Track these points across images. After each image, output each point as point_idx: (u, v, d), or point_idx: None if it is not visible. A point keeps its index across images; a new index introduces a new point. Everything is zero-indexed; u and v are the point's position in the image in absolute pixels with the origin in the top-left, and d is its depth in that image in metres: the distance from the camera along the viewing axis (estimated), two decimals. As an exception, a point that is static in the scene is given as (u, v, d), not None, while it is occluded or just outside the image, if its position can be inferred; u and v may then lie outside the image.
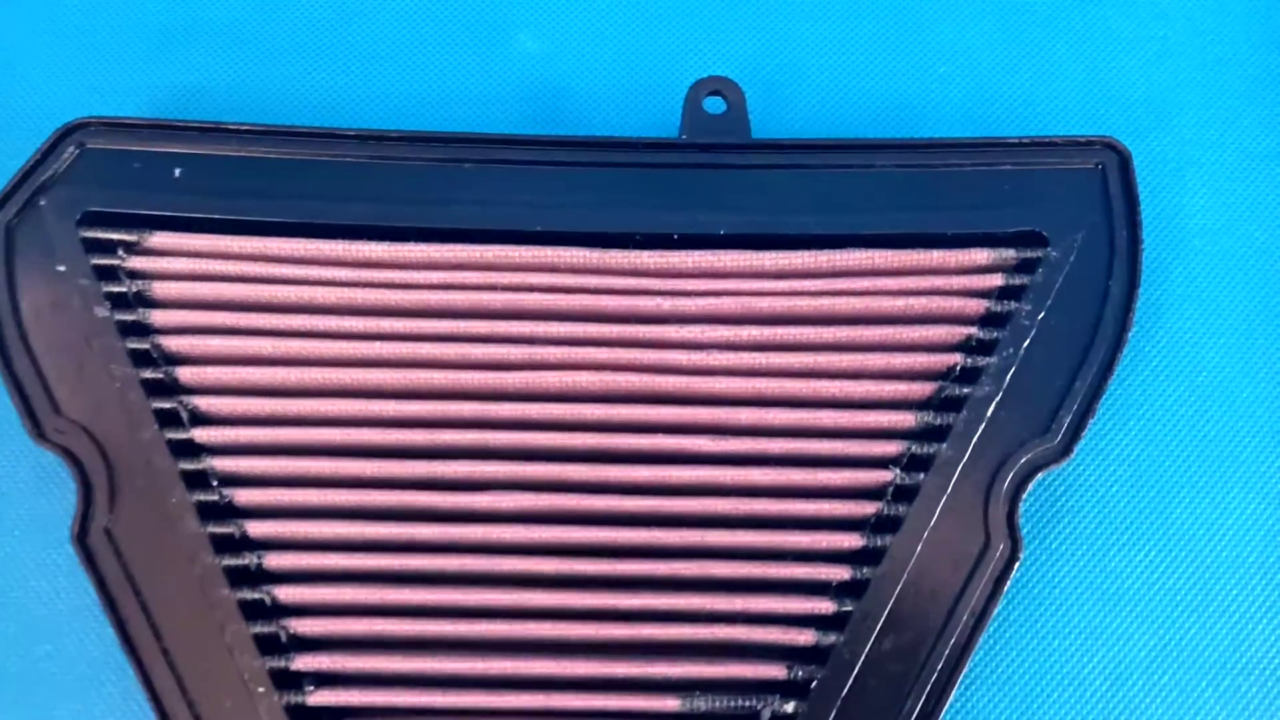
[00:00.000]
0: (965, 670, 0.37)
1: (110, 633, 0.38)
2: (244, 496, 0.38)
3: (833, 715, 0.36)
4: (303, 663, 0.36)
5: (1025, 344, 0.39)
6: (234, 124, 0.42)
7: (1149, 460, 0.41)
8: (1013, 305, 0.40)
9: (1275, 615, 0.40)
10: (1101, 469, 0.41)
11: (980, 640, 0.37)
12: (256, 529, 0.37)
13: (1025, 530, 0.39)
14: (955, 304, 0.40)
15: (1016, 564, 0.37)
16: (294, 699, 0.36)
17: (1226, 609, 0.40)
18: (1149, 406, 0.42)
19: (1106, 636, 0.39)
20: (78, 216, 0.40)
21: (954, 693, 0.36)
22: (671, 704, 0.36)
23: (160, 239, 0.40)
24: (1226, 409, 0.42)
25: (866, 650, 0.36)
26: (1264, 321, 0.43)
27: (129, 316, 0.40)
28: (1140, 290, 0.41)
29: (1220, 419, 0.42)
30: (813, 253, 0.40)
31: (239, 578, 0.37)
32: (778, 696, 0.36)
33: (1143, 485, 0.41)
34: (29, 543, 0.40)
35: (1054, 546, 0.40)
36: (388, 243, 0.40)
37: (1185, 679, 0.39)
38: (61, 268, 0.40)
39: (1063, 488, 0.41)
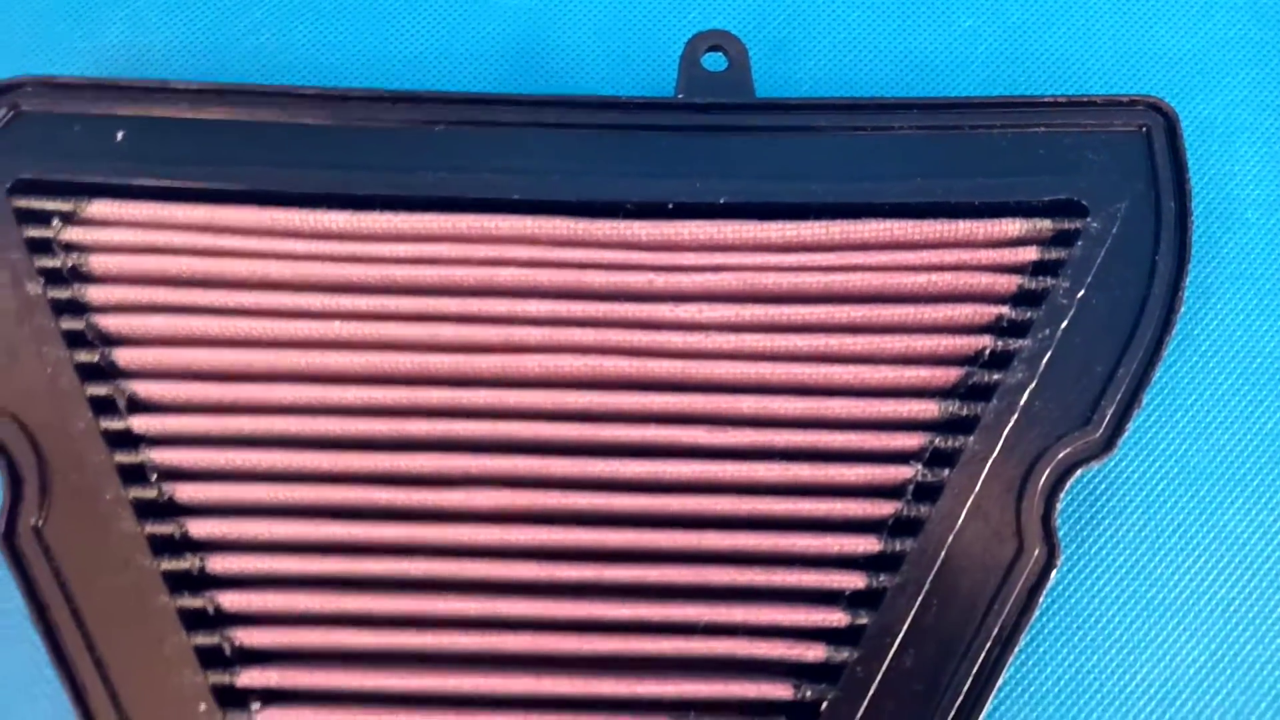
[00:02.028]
0: (996, 690, 0.32)
1: (40, 643, 0.35)
2: (186, 492, 0.34)
3: (846, 743, 0.32)
4: (249, 678, 0.32)
5: (1063, 325, 0.35)
6: (182, 83, 0.38)
7: (1199, 456, 0.37)
8: (1049, 282, 0.36)
9: (1342, 629, 0.35)
10: (1147, 466, 0.37)
11: (1013, 656, 0.33)
12: (199, 528, 0.34)
13: (1063, 534, 0.35)
14: (984, 280, 0.36)
15: (1053, 571, 0.33)
16: (239, 719, 0.32)
17: (1290, 619, 0.36)
18: (1199, 397, 0.38)
19: (1152, 651, 0.35)
20: (9, 185, 0.37)
21: (983, 716, 0.33)
22: (663, 729, 0.32)
23: (99, 208, 0.37)
24: (1285, 399, 0.38)
25: (884, 668, 0.32)
26: (1323, 302, 0.39)
27: (63, 293, 0.36)
28: (1190, 267, 0.37)
29: (1278, 410, 0.38)
30: (824, 223, 0.36)
31: (180, 583, 0.33)
32: (783, 719, 0.32)
33: (1192, 484, 0.37)
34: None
35: (1094, 552, 0.36)
36: (349, 212, 0.36)
37: (1240, 698, 0.35)
38: (-9, 239, 0.36)
39: (1104, 487, 0.37)
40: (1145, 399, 0.36)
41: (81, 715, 0.32)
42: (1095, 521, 0.37)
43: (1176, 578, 0.36)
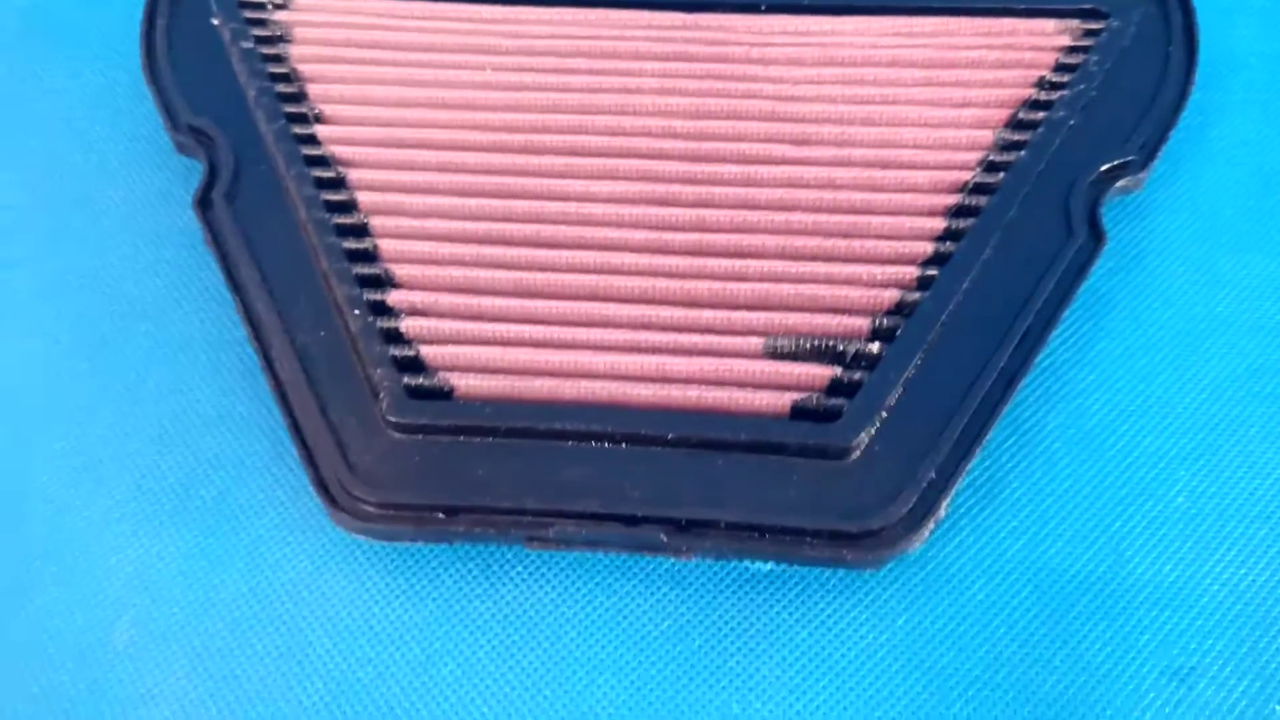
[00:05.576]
0: (1050, 338, 0.36)
1: (205, 312, 0.40)
2: (357, 174, 0.40)
3: (918, 358, 0.35)
4: (398, 297, 0.37)
5: (1096, 83, 0.42)
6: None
7: (1223, 208, 0.42)
8: (1081, 57, 0.43)
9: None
10: (1181, 219, 0.42)
11: (1066, 316, 0.37)
12: (366, 198, 0.40)
13: (1117, 262, 0.40)
14: (1027, 56, 0.43)
15: (1100, 251, 0.38)
16: (387, 324, 0.36)
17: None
18: (1215, 182, 0.43)
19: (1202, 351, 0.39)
20: (235, -16, 0.46)
21: (1039, 357, 0.36)
22: (755, 343, 0.36)
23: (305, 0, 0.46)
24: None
25: (951, 307, 0.36)
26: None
27: (270, 50, 0.44)
28: (1196, 94, 0.43)
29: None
30: (891, 18, 0.44)
31: (346, 231, 0.39)
32: (862, 340, 0.36)
33: (1219, 229, 0.41)
34: (143, 246, 0.42)
35: (1144, 278, 0.40)
36: (504, 5, 0.45)
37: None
38: (216, 20, 0.45)
39: (1144, 234, 0.41)
40: (1173, 173, 0.43)
41: (250, 330, 0.37)
42: (1140, 253, 0.41)
43: (1211, 293, 0.40)
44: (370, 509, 0.33)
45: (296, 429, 0.35)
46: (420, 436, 0.34)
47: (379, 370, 0.35)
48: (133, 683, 0.33)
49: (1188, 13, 0.44)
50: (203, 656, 0.34)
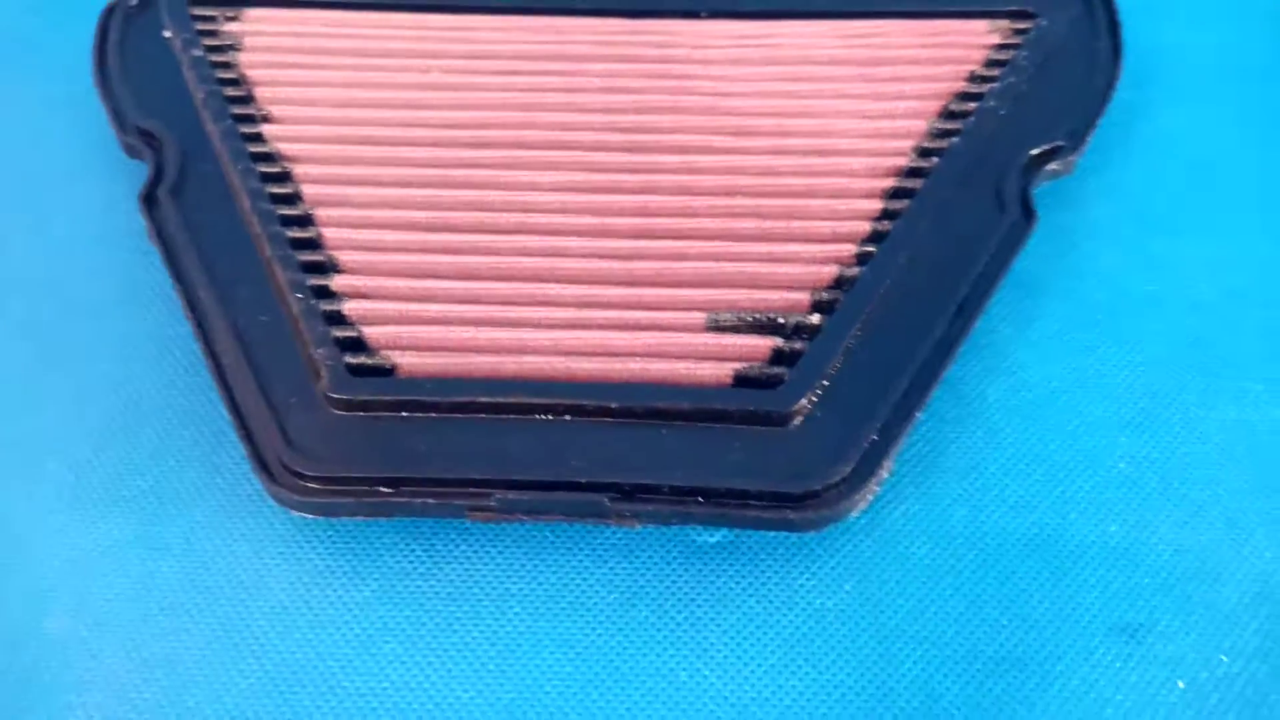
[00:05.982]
0: (992, 316, 0.37)
1: (151, 310, 0.40)
2: (303, 169, 0.41)
3: (858, 328, 0.36)
4: (341, 281, 0.37)
5: (1026, 77, 0.43)
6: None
7: (1149, 195, 0.43)
8: (1011, 53, 0.44)
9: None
10: (1112, 206, 0.43)
11: (1005, 296, 0.38)
12: (311, 190, 0.40)
13: (1051, 243, 0.41)
14: (959, 53, 0.44)
15: (1031, 229, 0.39)
16: (330, 307, 0.36)
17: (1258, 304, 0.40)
18: (1144, 169, 0.44)
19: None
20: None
21: (980, 336, 0.37)
22: (697, 319, 0.36)
23: (254, 13, 0.47)
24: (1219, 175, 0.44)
25: (889, 281, 0.37)
26: (1253, 110, 0.46)
27: (220, 58, 0.45)
28: (1124, 91, 0.45)
29: (1203, 168, 0.44)
30: (830, 21, 0.45)
31: (290, 221, 0.39)
32: (803, 313, 0.36)
33: (1144, 216, 0.42)
34: (92, 248, 0.42)
35: (1077, 257, 0.41)
36: (451, 14, 0.46)
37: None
38: (168, 33, 0.46)
39: (1076, 220, 0.42)
40: (1104, 164, 0.44)
41: (192, 319, 0.37)
42: (1076, 238, 0.42)
43: (1146, 273, 0.40)
44: (309, 484, 0.33)
45: (235, 407, 0.34)
46: (361, 413, 0.34)
47: (320, 350, 0.35)
48: (67, 670, 0.33)
49: (1111, 11, 0.46)
50: (139, 642, 0.33)
